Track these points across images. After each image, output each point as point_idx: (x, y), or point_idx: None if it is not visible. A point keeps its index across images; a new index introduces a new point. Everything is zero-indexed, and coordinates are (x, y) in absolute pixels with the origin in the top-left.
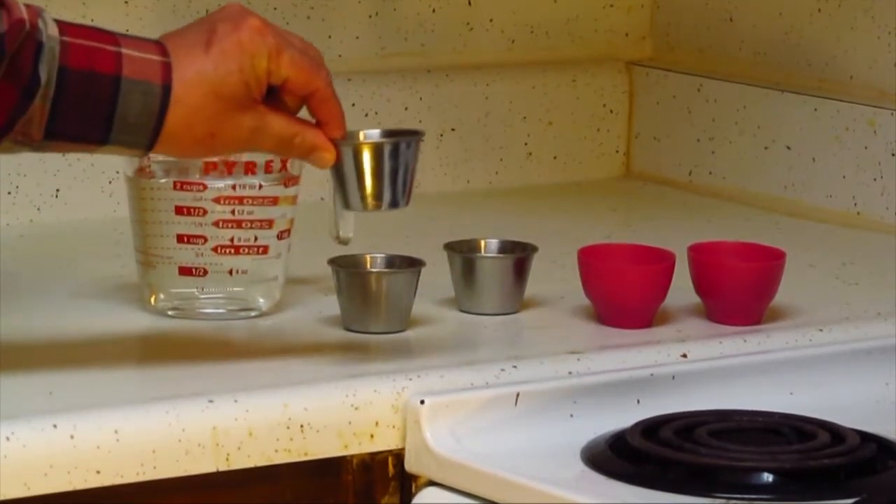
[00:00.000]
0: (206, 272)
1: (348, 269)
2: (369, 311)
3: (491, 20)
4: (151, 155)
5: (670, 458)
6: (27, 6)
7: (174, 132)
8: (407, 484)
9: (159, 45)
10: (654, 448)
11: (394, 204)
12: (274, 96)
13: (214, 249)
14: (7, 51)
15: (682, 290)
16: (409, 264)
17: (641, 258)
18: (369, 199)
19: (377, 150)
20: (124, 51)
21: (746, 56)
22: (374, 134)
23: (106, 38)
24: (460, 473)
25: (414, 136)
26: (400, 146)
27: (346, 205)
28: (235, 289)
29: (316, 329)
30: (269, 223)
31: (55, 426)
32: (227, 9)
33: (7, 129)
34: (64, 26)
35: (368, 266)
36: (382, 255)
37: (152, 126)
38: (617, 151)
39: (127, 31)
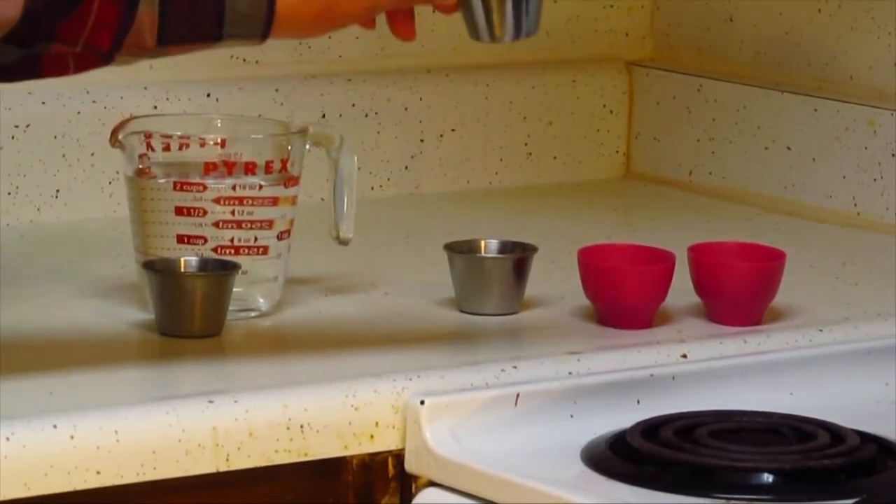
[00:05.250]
0: None
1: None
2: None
3: None
4: (151, 155)
5: (670, 459)
6: None
7: (289, 14)
8: (407, 484)
9: None
10: (655, 448)
11: (518, 35)
12: None
13: (214, 250)
14: None
15: (682, 290)
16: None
17: (641, 258)
18: (497, 32)
19: None
20: None
21: (746, 56)
22: None
23: None
24: (460, 474)
25: None
26: None
27: (476, 36)
28: (235, 289)
29: (316, 329)
30: (269, 224)
31: (55, 426)
32: None
33: (115, 49)
34: None
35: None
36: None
37: (264, 13)
38: (617, 151)
39: None
